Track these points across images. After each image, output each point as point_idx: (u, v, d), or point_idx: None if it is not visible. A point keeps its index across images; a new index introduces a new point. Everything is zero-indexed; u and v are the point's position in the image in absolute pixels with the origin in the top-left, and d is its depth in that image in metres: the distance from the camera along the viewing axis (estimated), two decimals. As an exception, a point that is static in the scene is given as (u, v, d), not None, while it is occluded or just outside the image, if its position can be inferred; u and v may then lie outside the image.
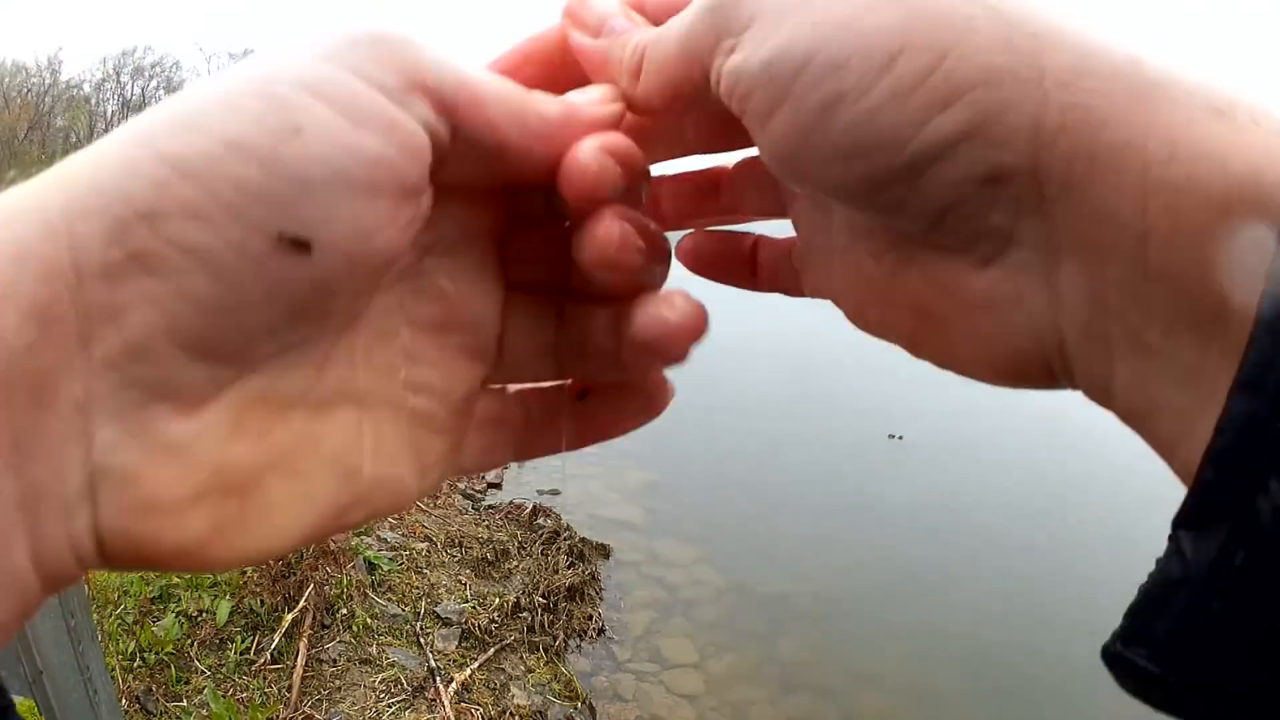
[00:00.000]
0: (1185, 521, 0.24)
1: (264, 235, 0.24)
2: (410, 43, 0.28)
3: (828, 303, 0.36)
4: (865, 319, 0.34)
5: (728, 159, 0.38)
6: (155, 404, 0.24)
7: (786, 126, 0.28)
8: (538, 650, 4.68)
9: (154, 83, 63.24)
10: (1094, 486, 9.99)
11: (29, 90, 55.88)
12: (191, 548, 0.25)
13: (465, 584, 5.21)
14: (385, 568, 4.96)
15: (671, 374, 0.37)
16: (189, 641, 3.59)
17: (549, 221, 0.35)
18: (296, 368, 0.27)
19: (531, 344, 0.35)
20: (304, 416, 0.28)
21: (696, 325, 0.32)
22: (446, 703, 3.87)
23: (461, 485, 7.12)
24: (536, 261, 0.35)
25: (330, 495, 0.28)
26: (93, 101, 61.90)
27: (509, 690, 4.23)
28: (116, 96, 62.89)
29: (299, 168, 0.24)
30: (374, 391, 0.30)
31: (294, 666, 3.72)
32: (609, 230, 0.30)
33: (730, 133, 0.34)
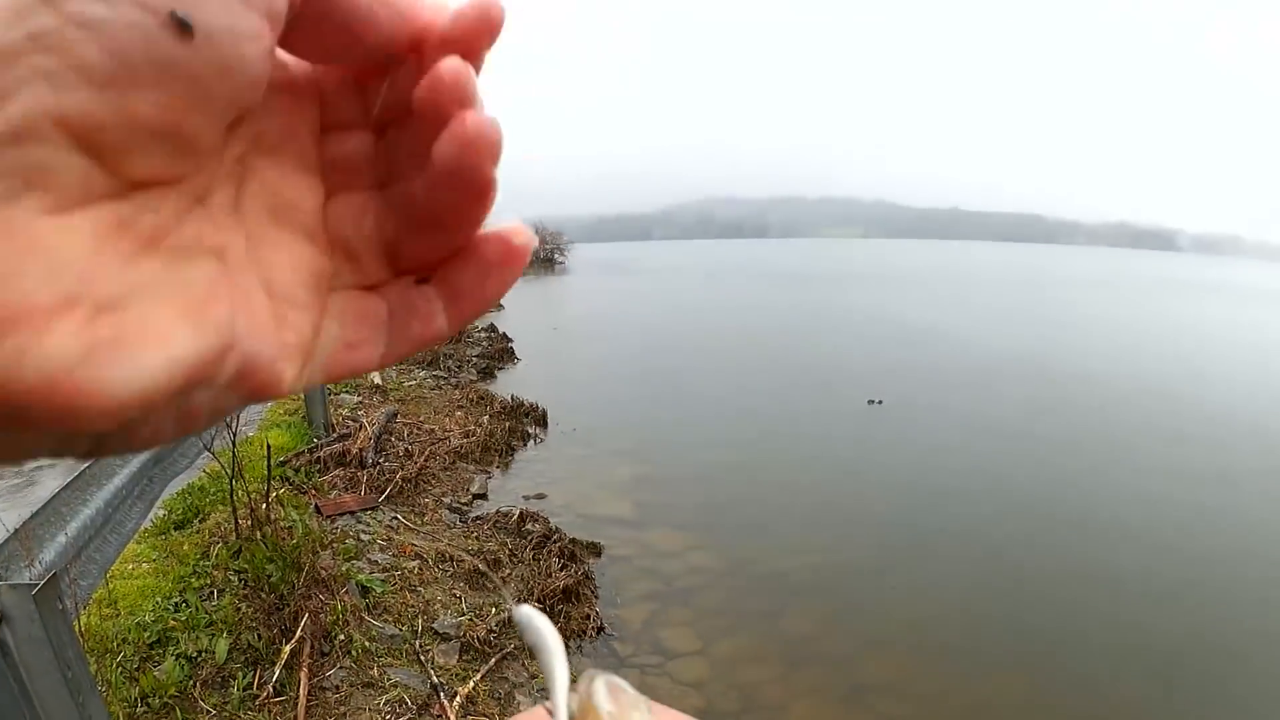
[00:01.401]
0: None
1: (155, 13, 0.26)
2: None
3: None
4: None
5: None
6: (26, 196, 0.24)
7: None
8: (539, 655, 4.69)
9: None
10: (1073, 439, 10.14)
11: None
12: (58, 373, 0.24)
13: (460, 597, 5.23)
14: (378, 590, 4.97)
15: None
16: (191, 683, 3.59)
17: (358, 126, 0.37)
18: (158, 207, 0.28)
19: (356, 235, 0.36)
20: (169, 255, 0.28)
21: (490, 135, 0.32)
22: (453, 717, 3.91)
23: (447, 500, 7.13)
24: (350, 162, 0.36)
25: (199, 339, 0.28)
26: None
27: (514, 698, 4.26)
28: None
29: None
30: (230, 253, 0.31)
31: (298, 698, 3.73)
32: (478, 126, 0.32)
33: None
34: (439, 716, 3.91)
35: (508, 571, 5.72)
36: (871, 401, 11.63)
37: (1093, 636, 5.16)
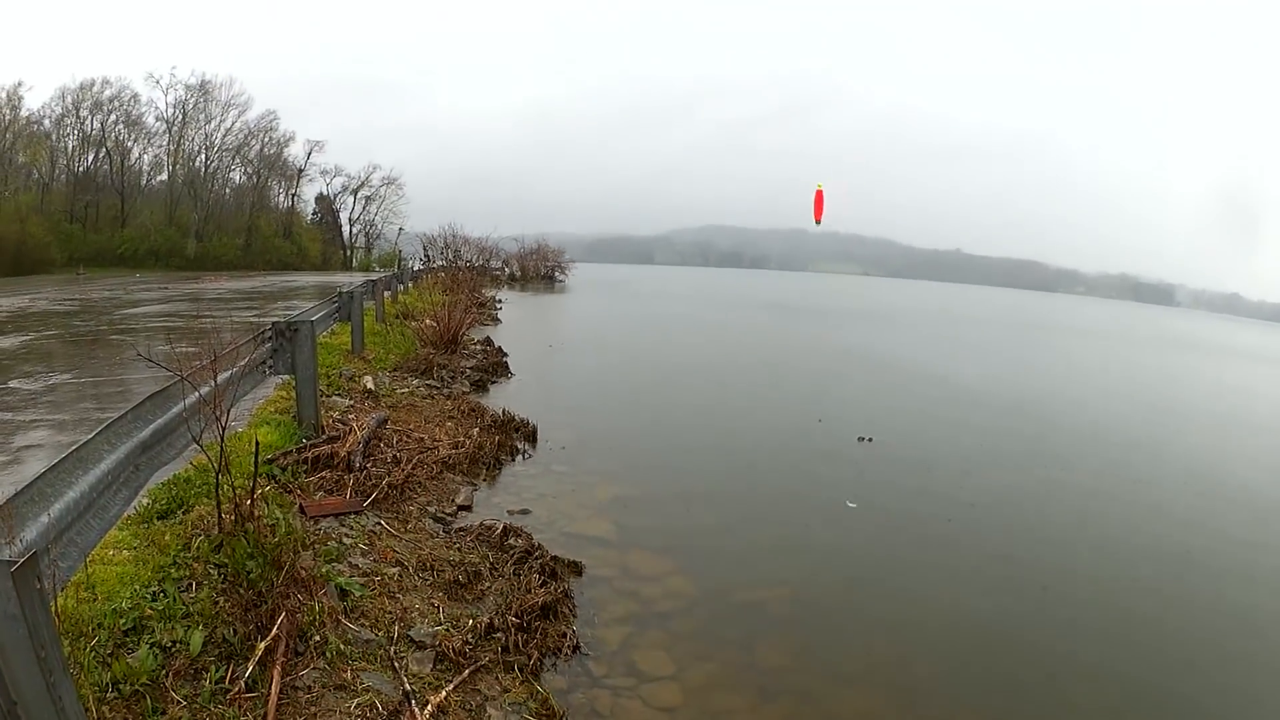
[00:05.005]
0: None
1: None
2: None
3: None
4: None
5: None
6: None
7: None
8: (513, 670, 4.68)
9: (113, 117, 63.11)
10: (1056, 482, 10.15)
11: (-10, 126, 55.23)
12: None
13: (438, 607, 5.21)
14: (357, 593, 4.95)
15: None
16: (164, 672, 3.56)
17: None
18: None
19: None
20: None
21: None
22: (423, 724, 3.88)
23: (432, 509, 7.11)
24: None
25: None
26: (53, 137, 61.61)
27: (485, 711, 4.24)
28: (76, 131, 62.65)
29: None
30: None
31: (269, 695, 3.71)
32: None
33: None
34: (409, 724, 3.89)
35: (488, 584, 5.71)
36: (861, 439, 11.64)
37: (1071, 682, 5.15)
